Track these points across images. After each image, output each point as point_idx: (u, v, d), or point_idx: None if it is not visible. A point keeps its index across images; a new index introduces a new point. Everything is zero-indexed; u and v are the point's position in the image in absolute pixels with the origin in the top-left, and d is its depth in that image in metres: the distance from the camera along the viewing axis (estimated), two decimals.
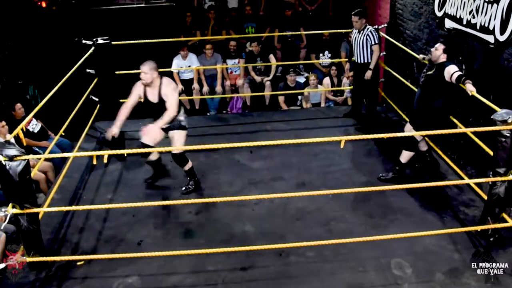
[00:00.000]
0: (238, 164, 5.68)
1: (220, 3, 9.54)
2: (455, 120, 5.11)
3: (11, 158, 3.54)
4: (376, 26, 6.54)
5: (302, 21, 9.20)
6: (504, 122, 3.70)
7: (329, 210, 4.72)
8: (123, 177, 5.51)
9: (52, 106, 5.47)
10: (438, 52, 4.74)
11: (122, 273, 3.97)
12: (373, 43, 6.26)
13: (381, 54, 7.11)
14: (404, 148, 5.09)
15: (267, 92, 8.12)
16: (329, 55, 8.73)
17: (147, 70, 4.81)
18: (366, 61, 6.35)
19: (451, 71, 4.58)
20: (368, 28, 6.27)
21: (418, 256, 4.03)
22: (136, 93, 4.98)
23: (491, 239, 4.13)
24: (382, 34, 6.96)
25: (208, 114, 8.33)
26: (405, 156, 5.10)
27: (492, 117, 3.78)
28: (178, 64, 8.04)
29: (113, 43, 6.59)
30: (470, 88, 4.39)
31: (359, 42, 6.31)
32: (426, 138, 5.28)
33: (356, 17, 6.25)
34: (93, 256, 4.08)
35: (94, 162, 5.65)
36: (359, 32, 6.31)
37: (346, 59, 7.29)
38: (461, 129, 4.90)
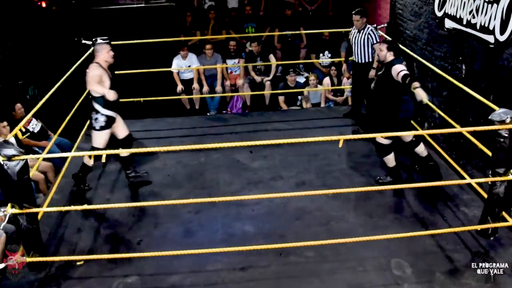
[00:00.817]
0: (238, 164, 5.67)
1: (220, 3, 9.53)
2: (444, 115, 5.10)
3: (9, 158, 3.54)
4: (375, 25, 6.54)
5: (302, 21, 9.20)
6: (502, 122, 3.68)
7: (328, 210, 4.72)
8: (122, 177, 5.50)
9: (52, 106, 5.47)
10: (383, 52, 4.79)
11: (121, 273, 3.97)
12: (374, 42, 6.25)
13: None
14: (380, 156, 5.06)
15: (267, 92, 8.12)
16: (329, 55, 8.72)
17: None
18: (367, 60, 6.34)
19: (398, 70, 4.63)
20: (368, 28, 6.27)
21: (418, 256, 4.02)
22: (100, 75, 4.90)
23: (491, 238, 4.13)
24: (382, 33, 6.96)
25: (208, 114, 8.33)
26: (388, 161, 5.04)
27: (489, 117, 3.76)
28: (178, 64, 8.04)
29: (112, 43, 6.57)
30: (420, 93, 4.40)
31: (360, 42, 6.30)
32: (427, 137, 5.24)
33: (358, 16, 6.25)
34: (93, 256, 4.08)
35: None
36: (359, 31, 6.31)
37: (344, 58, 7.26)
38: (460, 128, 4.90)
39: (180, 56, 8.01)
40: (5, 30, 7.32)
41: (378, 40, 6.28)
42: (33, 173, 5.30)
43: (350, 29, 6.55)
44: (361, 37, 6.29)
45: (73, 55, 6.45)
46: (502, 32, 4.24)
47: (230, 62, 8.41)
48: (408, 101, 4.82)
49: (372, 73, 6.36)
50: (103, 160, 5.72)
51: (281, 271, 3.96)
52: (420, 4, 6.10)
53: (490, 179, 3.93)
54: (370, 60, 6.33)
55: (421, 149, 5.14)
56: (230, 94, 8.36)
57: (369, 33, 6.25)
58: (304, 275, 3.89)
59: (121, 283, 3.87)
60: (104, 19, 8.21)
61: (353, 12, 6.32)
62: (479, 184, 4.56)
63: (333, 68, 8.17)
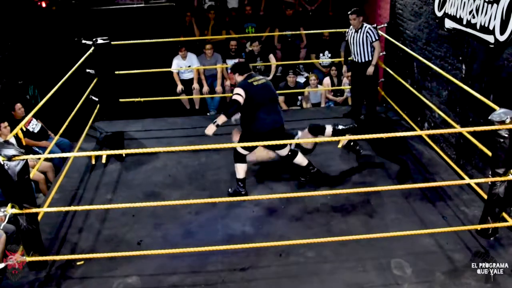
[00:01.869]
0: None
1: (220, 3, 9.54)
2: (444, 115, 5.09)
3: (9, 158, 3.54)
4: (375, 25, 6.54)
5: (302, 21, 9.20)
6: (502, 122, 3.68)
7: (329, 210, 4.72)
8: (123, 177, 5.50)
9: (52, 106, 5.47)
10: (237, 78, 4.86)
11: (121, 273, 3.97)
12: (373, 39, 6.25)
13: (381, 53, 7.11)
14: (234, 162, 4.95)
15: None
16: (329, 55, 8.72)
17: None
18: (367, 59, 6.34)
19: (234, 92, 4.72)
20: (366, 26, 6.27)
21: (418, 256, 4.02)
22: None
23: (491, 238, 4.13)
24: (382, 33, 6.96)
25: (208, 114, 8.33)
26: (238, 170, 4.94)
27: (489, 117, 3.76)
28: (178, 64, 8.04)
29: (113, 43, 6.60)
30: (209, 129, 4.72)
31: (359, 41, 6.30)
32: (426, 138, 5.24)
33: (354, 15, 6.26)
34: (93, 255, 4.08)
35: (93, 162, 5.66)
36: (356, 31, 6.31)
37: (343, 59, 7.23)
38: (460, 128, 4.90)
39: (180, 56, 8.01)
40: (5, 30, 7.32)
41: (377, 38, 6.27)
42: (34, 173, 5.32)
43: (347, 29, 6.55)
44: (359, 36, 6.29)
45: (73, 55, 6.45)
46: (502, 32, 4.25)
47: (230, 62, 8.40)
48: (262, 118, 4.74)
49: (370, 69, 6.35)
50: (104, 160, 5.75)
51: (281, 271, 3.96)
52: (420, 4, 6.10)
53: (490, 179, 3.93)
54: (370, 58, 6.33)
55: (299, 160, 5.06)
56: (230, 94, 8.34)
57: (367, 32, 6.25)
58: (304, 275, 3.89)
59: (121, 283, 3.87)
60: (104, 19, 8.21)
61: (348, 12, 6.33)
62: (479, 184, 4.56)
63: (333, 68, 8.17)
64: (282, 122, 4.88)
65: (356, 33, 6.32)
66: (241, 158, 4.93)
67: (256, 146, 4.95)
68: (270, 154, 5.28)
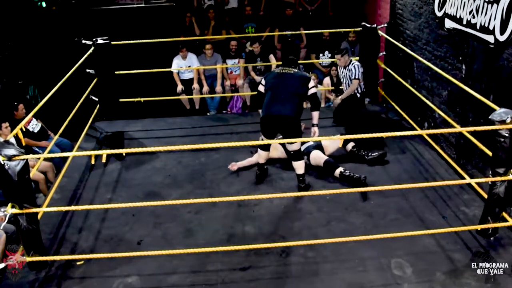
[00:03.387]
0: None
1: (220, 3, 9.54)
2: (444, 115, 5.08)
3: (10, 158, 3.54)
4: (359, 64, 6.50)
5: (302, 21, 9.20)
6: (503, 122, 3.68)
7: (329, 210, 4.72)
8: (123, 176, 5.51)
9: (52, 106, 5.47)
10: None
11: (121, 272, 3.97)
12: (354, 77, 6.33)
13: (381, 54, 7.12)
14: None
15: None
16: (329, 55, 8.72)
17: None
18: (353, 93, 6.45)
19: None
20: (353, 63, 6.36)
21: (418, 256, 4.02)
22: None
23: (491, 238, 4.13)
24: (382, 33, 6.96)
25: (208, 114, 8.33)
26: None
27: (490, 117, 3.76)
28: (178, 64, 8.04)
29: (113, 43, 6.60)
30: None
31: (346, 76, 6.45)
32: (427, 137, 5.23)
33: (338, 55, 6.38)
34: (93, 256, 4.08)
35: (93, 161, 5.66)
36: (344, 67, 6.40)
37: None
38: (460, 128, 4.90)
39: (180, 56, 8.02)
40: (5, 30, 7.32)
41: (357, 77, 6.28)
42: (33, 173, 5.32)
43: (351, 29, 6.56)
44: (346, 72, 6.44)
45: (73, 55, 6.45)
46: (502, 32, 4.24)
47: (230, 62, 8.41)
48: (269, 102, 4.84)
49: (337, 100, 6.64)
50: (103, 160, 5.76)
51: (281, 271, 3.96)
52: (420, 4, 6.10)
53: (490, 179, 3.93)
54: (356, 93, 6.39)
55: (299, 165, 5.01)
56: (230, 94, 8.36)
57: (351, 69, 6.36)
58: (304, 275, 3.89)
59: (121, 283, 3.87)
60: (104, 19, 8.22)
61: (334, 53, 6.47)
62: (479, 184, 4.56)
63: (333, 68, 8.17)
64: (291, 114, 4.78)
65: (344, 69, 6.45)
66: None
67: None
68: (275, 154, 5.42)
